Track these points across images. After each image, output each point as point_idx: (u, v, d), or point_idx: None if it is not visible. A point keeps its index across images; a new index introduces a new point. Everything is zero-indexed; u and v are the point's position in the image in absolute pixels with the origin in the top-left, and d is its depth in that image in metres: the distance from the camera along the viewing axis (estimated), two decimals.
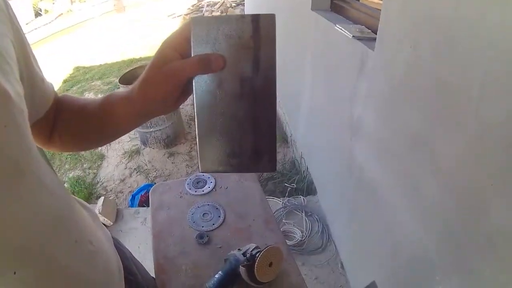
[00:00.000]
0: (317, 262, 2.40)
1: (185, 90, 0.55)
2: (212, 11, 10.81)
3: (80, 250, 0.59)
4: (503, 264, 0.97)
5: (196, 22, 0.50)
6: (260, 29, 0.48)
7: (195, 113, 0.52)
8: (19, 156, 0.44)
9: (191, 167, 3.66)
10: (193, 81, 0.51)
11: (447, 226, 1.21)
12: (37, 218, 0.48)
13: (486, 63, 0.97)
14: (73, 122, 0.69)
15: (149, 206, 2.92)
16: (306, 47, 2.86)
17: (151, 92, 0.55)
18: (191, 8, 11.83)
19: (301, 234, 2.55)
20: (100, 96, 0.77)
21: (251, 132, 0.51)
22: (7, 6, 0.51)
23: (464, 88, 1.07)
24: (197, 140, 0.53)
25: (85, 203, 0.78)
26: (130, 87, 0.59)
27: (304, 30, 2.89)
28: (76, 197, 0.73)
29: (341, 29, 1.99)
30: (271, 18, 0.48)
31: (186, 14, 11.21)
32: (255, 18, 0.48)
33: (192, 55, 0.50)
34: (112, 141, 0.76)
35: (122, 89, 3.53)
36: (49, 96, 0.66)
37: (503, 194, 0.94)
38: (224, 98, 0.50)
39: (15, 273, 0.43)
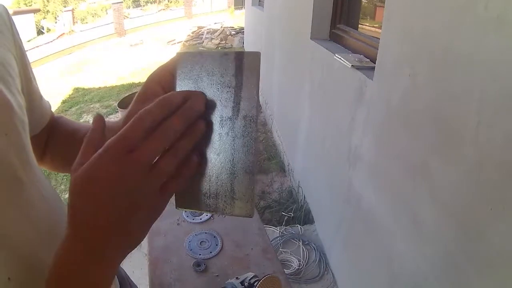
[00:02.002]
0: None
1: None
2: (212, 38, 10.98)
3: None
4: (503, 286, 0.96)
5: (181, 57, 0.49)
6: (243, 68, 0.47)
7: None
8: (18, 165, 0.45)
9: None
10: None
11: (445, 252, 1.20)
12: (33, 226, 0.48)
13: (482, 90, 0.99)
14: (64, 145, 0.70)
15: None
16: (304, 76, 2.89)
17: None
18: (191, 35, 12.03)
19: (298, 262, 2.52)
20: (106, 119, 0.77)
21: (228, 175, 0.49)
22: (11, 23, 0.53)
23: (461, 115, 1.08)
24: None
25: None
26: (118, 119, 0.59)
27: (303, 59, 2.93)
28: None
29: (340, 58, 2.02)
30: (255, 56, 0.46)
31: (186, 41, 11.39)
32: (239, 56, 0.47)
33: (176, 91, 0.49)
34: None
35: (121, 113, 3.55)
36: (46, 114, 0.67)
37: (502, 218, 0.94)
38: (204, 137, 0.48)
39: (9, 279, 0.43)
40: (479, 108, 1.00)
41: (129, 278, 1.00)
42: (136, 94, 0.53)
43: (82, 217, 0.39)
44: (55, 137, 0.70)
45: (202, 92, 0.48)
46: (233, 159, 0.48)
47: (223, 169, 0.49)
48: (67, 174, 4.02)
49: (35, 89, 0.62)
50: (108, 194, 0.36)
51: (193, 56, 0.49)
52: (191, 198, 0.51)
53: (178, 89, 0.49)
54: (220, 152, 0.49)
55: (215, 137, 0.48)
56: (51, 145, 0.70)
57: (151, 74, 0.52)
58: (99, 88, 7.10)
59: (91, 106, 6.11)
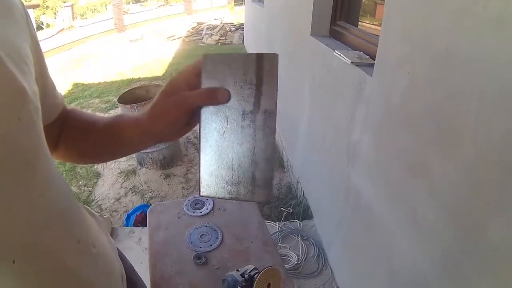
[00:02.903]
0: (313, 286, 2.38)
1: (191, 120, 0.59)
2: (212, 34, 10.96)
3: (82, 251, 0.60)
4: (502, 283, 0.97)
5: (207, 59, 0.55)
6: (263, 67, 0.53)
7: (200, 141, 0.56)
8: (29, 150, 0.46)
9: (187, 189, 3.65)
10: (200, 111, 0.55)
11: (444, 248, 1.21)
12: (42, 212, 0.49)
13: (481, 90, 1.00)
14: (79, 136, 0.72)
15: (144, 227, 2.90)
16: (304, 72, 2.90)
17: (159, 116, 0.59)
18: (191, 30, 12.01)
19: (297, 258, 2.54)
20: (107, 115, 0.80)
21: (250, 163, 0.53)
22: (27, 15, 0.55)
23: (460, 113, 1.10)
24: (199, 165, 0.56)
25: (92, 210, 0.78)
26: (140, 111, 0.63)
27: (303, 56, 2.93)
28: (84, 205, 0.73)
29: (340, 55, 2.04)
30: (274, 57, 0.53)
31: (186, 37, 11.36)
32: (259, 56, 0.53)
33: (202, 87, 0.56)
34: (114, 159, 0.79)
35: (121, 108, 3.55)
36: (59, 103, 0.69)
37: (500, 213, 0.96)
38: (227, 129, 0.54)
39: (14, 262, 0.44)
40: (478, 107, 1.01)
41: (136, 272, 1.03)
42: (162, 87, 0.59)
43: None
44: (70, 129, 0.72)
45: (227, 89, 0.54)
46: (254, 149, 0.53)
47: (246, 158, 0.54)
48: (66, 170, 4.01)
49: (49, 80, 0.64)
50: None
51: (218, 57, 0.55)
52: (215, 186, 0.56)
53: (203, 86, 0.55)
54: (242, 143, 0.54)
55: (237, 128, 0.54)
56: (65, 136, 0.72)
57: (178, 73, 0.59)
58: (99, 83, 7.08)
59: (91, 101, 6.11)
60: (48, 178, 0.52)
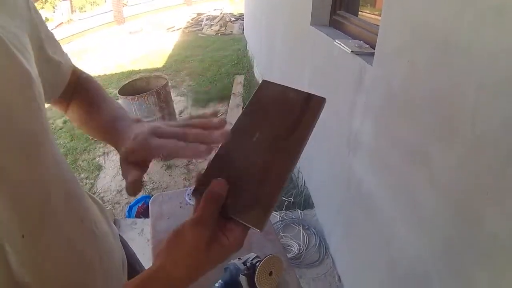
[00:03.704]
0: (314, 275, 2.40)
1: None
2: (212, 25, 10.91)
3: (86, 230, 0.63)
4: (500, 272, 0.98)
5: (265, 83, 0.61)
6: (310, 104, 0.57)
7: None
8: (38, 130, 0.50)
9: (189, 180, 3.67)
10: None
11: (444, 237, 1.23)
12: (47, 188, 0.52)
13: (480, 76, 1.00)
14: (84, 116, 0.76)
15: (146, 218, 2.92)
16: (305, 62, 2.90)
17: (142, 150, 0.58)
18: (191, 21, 11.95)
19: (298, 247, 2.56)
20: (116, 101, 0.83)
21: (258, 181, 0.52)
22: (28, 3, 0.58)
23: (460, 101, 1.10)
24: (210, 160, 0.56)
25: (95, 197, 0.80)
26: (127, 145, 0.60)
27: (303, 45, 2.93)
28: (87, 192, 0.76)
29: (340, 44, 2.03)
30: (322, 100, 0.58)
31: (186, 28, 11.31)
32: (310, 96, 0.58)
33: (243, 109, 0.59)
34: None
35: (121, 100, 3.55)
36: (64, 79, 0.73)
37: (498, 202, 0.96)
38: (254, 142, 0.55)
39: (23, 236, 0.46)
40: (477, 96, 1.02)
41: (138, 259, 1.04)
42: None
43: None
44: (77, 99, 0.76)
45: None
46: (268, 169, 0.53)
47: (257, 175, 0.53)
48: (68, 162, 4.02)
49: (51, 59, 0.66)
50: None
51: (276, 85, 0.60)
52: None
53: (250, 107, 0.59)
54: (261, 160, 0.54)
55: (263, 147, 0.55)
56: (74, 102, 0.76)
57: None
58: (99, 76, 7.07)
59: None
60: (55, 158, 0.55)
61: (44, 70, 0.59)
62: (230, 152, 0.55)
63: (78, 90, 0.76)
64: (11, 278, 0.45)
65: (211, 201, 0.50)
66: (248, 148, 0.54)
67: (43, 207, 0.50)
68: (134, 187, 0.54)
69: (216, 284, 1.14)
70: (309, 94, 0.56)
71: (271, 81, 0.59)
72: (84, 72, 0.82)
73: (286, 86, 0.58)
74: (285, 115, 0.56)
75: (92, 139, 4.50)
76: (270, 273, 1.12)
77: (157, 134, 0.56)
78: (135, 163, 0.56)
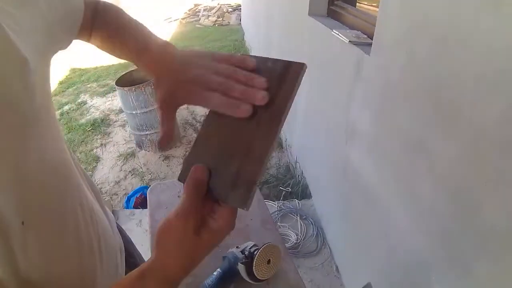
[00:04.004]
0: (312, 264, 2.42)
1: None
2: (209, 15, 10.84)
3: (84, 215, 0.63)
4: (498, 261, 1.00)
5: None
6: (289, 71, 0.52)
7: (203, 123, 0.56)
8: (33, 115, 0.49)
9: None
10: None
11: (442, 226, 1.23)
12: (48, 170, 0.52)
13: (479, 67, 1.01)
14: (107, 40, 0.76)
15: (144, 208, 2.93)
16: (302, 52, 2.89)
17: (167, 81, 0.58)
18: (188, 12, 11.86)
19: (296, 237, 2.57)
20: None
21: (240, 159, 0.50)
22: None
23: (458, 91, 1.10)
24: (192, 144, 0.56)
25: (91, 179, 0.80)
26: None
27: (301, 35, 2.92)
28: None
29: (337, 34, 2.03)
30: (301, 65, 0.52)
31: (183, 18, 11.23)
32: (289, 63, 0.53)
33: None
34: None
35: (119, 91, 3.53)
36: (78, 16, 0.67)
37: (496, 193, 0.97)
38: (234, 118, 0.51)
39: (23, 223, 0.46)
40: (476, 85, 1.02)
41: (133, 244, 1.05)
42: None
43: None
44: (98, 27, 0.74)
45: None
46: (249, 142, 0.50)
47: (238, 151, 0.50)
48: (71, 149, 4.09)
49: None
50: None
51: (258, 58, 0.56)
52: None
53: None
54: (241, 135, 0.51)
55: (243, 121, 0.51)
56: (96, 30, 0.74)
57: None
58: (96, 67, 7.02)
59: (88, 86, 6.07)
60: (52, 136, 0.55)
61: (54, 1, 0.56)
62: (211, 133, 0.54)
63: (99, 17, 0.73)
64: (14, 263, 0.46)
65: (192, 188, 0.49)
66: (229, 125, 0.52)
67: (42, 193, 0.51)
68: (168, 138, 0.57)
69: (215, 273, 1.15)
70: (288, 61, 0.53)
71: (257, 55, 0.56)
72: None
73: (267, 57, 0.55)
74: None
75: (89, 130, 4.50)
76: (268, 262, 1.13)
77: (200, 84, 0.54)
78: (172, 106, 0.58)
